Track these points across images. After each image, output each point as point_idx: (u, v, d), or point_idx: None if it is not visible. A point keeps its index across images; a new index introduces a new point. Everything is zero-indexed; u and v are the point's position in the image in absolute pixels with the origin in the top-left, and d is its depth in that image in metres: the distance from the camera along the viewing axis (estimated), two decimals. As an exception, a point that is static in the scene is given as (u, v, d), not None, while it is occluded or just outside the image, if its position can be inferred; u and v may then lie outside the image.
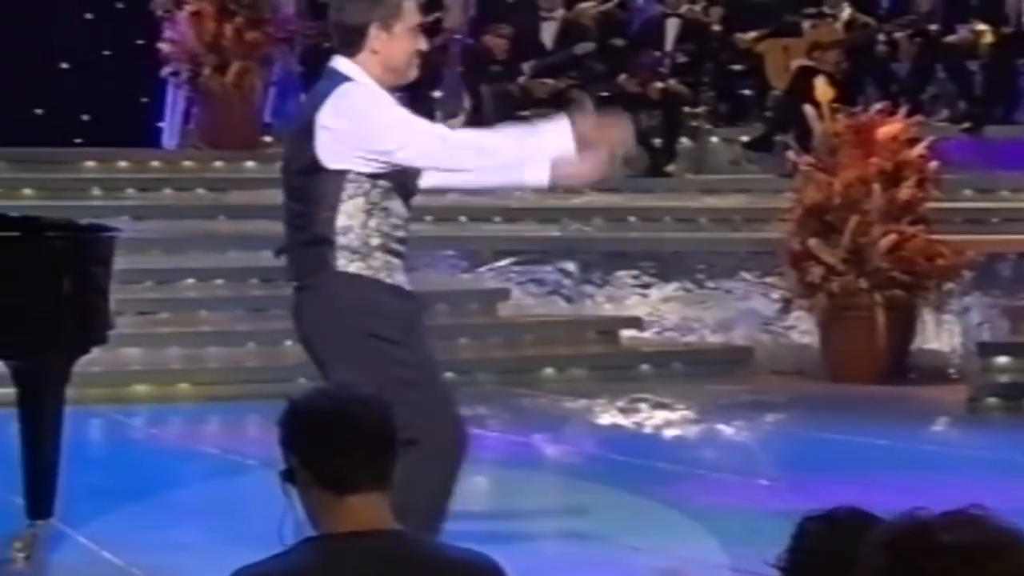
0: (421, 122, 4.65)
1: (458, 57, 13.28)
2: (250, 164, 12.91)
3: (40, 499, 5.69)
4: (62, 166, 12.64)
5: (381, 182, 4.52)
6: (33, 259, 5.73)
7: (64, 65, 13.67)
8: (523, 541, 6.32)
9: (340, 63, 4.59)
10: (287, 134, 4.66)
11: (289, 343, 10.45)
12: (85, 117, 13.54)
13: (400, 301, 4.57)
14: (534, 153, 4.58)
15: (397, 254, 4.57)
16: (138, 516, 6.44)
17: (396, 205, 4.56)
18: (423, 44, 4.69)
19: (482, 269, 11.72)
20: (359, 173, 4.48)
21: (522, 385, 10.06)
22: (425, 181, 4.65)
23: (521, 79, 13.05)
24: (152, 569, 5.72)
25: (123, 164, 12.73)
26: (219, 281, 11.00)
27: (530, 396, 9.82)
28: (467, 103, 13.12)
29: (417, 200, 11.49)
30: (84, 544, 5.96)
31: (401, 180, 4.55)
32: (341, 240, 4.49)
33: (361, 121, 4.49)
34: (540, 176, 4.59)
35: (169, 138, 13.62)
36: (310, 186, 4.54)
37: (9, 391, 6.02)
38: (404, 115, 4.61)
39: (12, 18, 13.13)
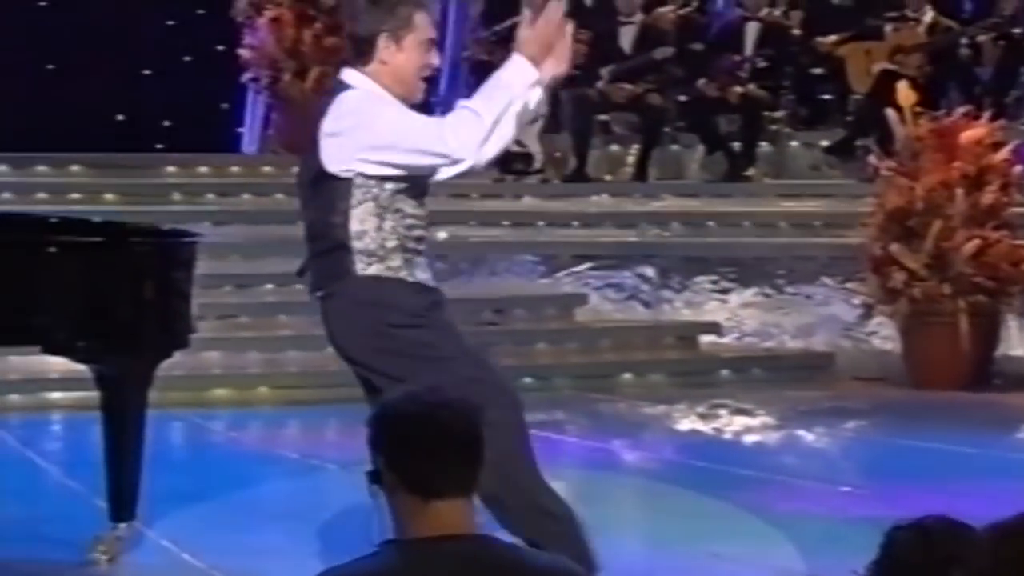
0: (420, 117, 4.58)
1: (536, 62, 13.21)
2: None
3: (122, 502, 5.73)
4: (143, 171, 12.74)
5: (389, 184, 4.50)
6: (116, 264, 5.76)
7: (145, 71, 13.80)
8: (602, 547, 6.29)
9: (347, 74, 4.59)
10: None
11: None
12: (166, 123, 13.66)
13: (421, 295, 4.56)
14: (512, 76, 4.47)
15: (416, 252, 4.56)
16: (218, 519, 6.46)
17: (409, 205, 4.54)
18: (435, 59, 4.62)
19: (560, 274, 11.70)
20: (366, 177, 4.46)
21: (600, 390, 10.02)
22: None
23: (599, 84, 13.02)
24: (232, 571, 5.74)
25: (203, 169, 12.82)
26: (298, 286, 10.90)
27: (608, 401, 9.79)
28: (544, 108, 13.06)
29: (493, 205, 11.54)
30: (165, 546, 5.99)
31: (411, 179, 4.52)
32: (357, 245, 4.49)
33: (359, 121, 4.48)
34: (529, 77, 4.47)
35: (249, 143, 13.71)
36: (321, 195, 4.55)
37: (93, 395, 6.07)
38: (402, 112, 4.53)
39: (94, 25, 13.26)
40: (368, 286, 4.49)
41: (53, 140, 12.41)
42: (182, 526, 6.24)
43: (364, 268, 4.48)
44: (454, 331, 4.64)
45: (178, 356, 6.03)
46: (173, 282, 5.87)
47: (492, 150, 4.48)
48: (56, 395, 9.49)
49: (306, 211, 4.65)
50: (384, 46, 4.50)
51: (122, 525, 5.75)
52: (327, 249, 4.55)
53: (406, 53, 4.51)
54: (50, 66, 13.33)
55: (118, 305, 5.70)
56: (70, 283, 5.67)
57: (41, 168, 12.45)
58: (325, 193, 4.51)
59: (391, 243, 4.50)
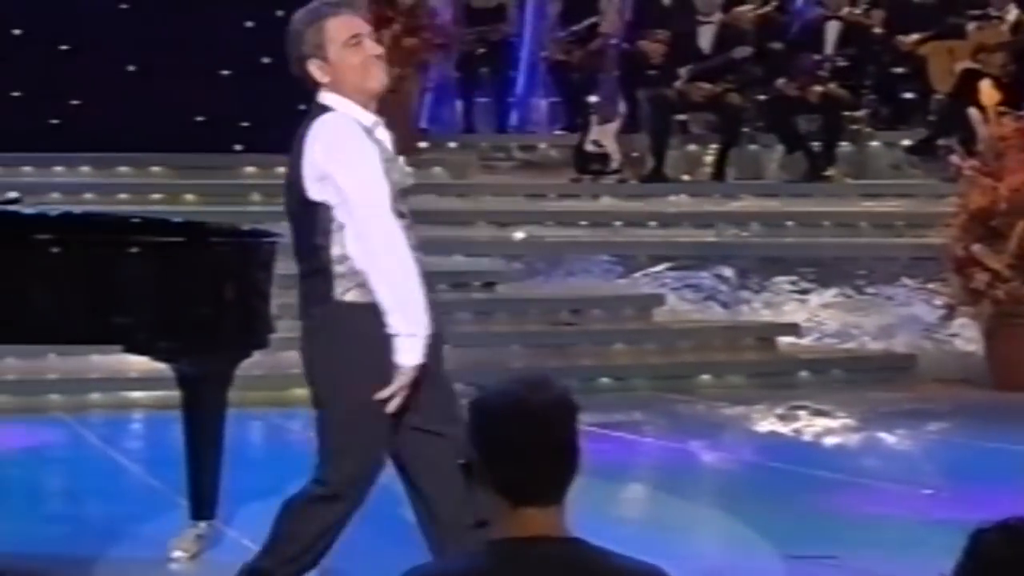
0: (374, 195, 4.40)
1: (614, 62, 13.23)
2: (406, 170, 12.98)
3: (203, 500, 5.76)
4: (222, 172, 12.83)
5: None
6: (197, 264, 5.79)
7: (224, 73, 13.87)
8: (682, 549, 6.25)
9: (321, 95, 4.55)
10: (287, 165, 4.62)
11: (445, 347, 10.50)
12: (245, 124, 13.72)
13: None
14: (405, 327, 4.39)
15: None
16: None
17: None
18: (373, 49, 4.49)
19: (637, 274, 11.66)
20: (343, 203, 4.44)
21: (678, 391, 9.97)
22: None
23: (678, 83, 12.97)
24: (320, 569, 5.74)
25: (282, 170, 12.71)
26: (375, 286, 11.05)
27: (686, 402, 9.74)
28: (623, 108, 13.06)
29: (571, 205, 11.49)
30: (246, 545, 6.00)
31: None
32: (338, 269, 4.41)
33: (333, 154, 4.44)
34: (403, 343, 4.39)
35: (327, 145, 13.75)
36: (304, 217, 4.49)
37: (173, 394, 6.11)
38: (372, 169, 4.43)
39: (174, 27, 13.36)
40: (346, 314, 4.42)
41: (134, 141, 12.52)
42: (262, 525, 6.22)
43: (342, 293, 4.41)
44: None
45: (257, 356, 6.05)
46: (253, 282, 5.89)
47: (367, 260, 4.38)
48: (137, 394, 9.57)
49: (292, 230, 4.58)
50: (318, 68, 4.49)
51: (203, 523, 5.78)
52: (310, 272, 4.50)
53: (338, 63, 4.46)
54: (131, 68, 13.43)
55: (198, 305, 5.73)
56: (151, 283, 5.70)
57: (123, 169, 12.56)
58: (307, 215, 4.47)
59: None
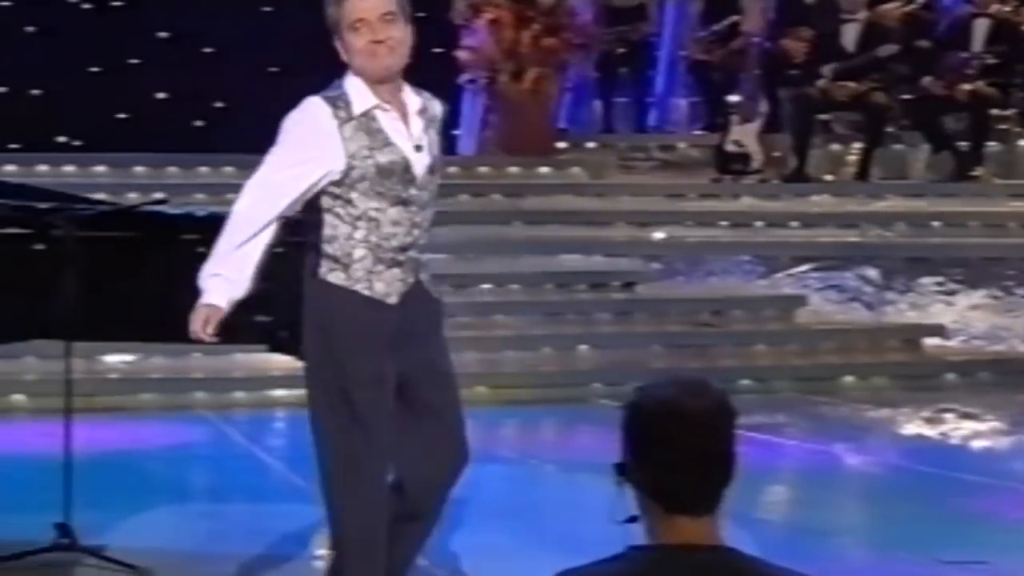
0: (263, 175, 4.64)
1: (756, 61, 13.10)
2: (545, 170, 12.98)
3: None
4: (359, 173, 12.88)
5: (353, 195, 4.50)
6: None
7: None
8: (827, 553, 6.16)
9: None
10: None
11: (584, 348, 10.49)
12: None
13: (374, 313, 4.50)
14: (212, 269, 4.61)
15: (394, 263, 4.51)
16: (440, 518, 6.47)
17: (388, 214, 4.50)
18: (374, 35, 4.52)
19: (779, 275, 11.52)
20: (331, 183, 4.50)
21: (821, 393, 9.84)
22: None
23: (821, 82, 12.80)
24: (456, 571, 5.76)
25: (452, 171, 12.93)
26: (515, 286, 11.07)
27: (830, 404, 9.60)
28: (764, 107, 12.93)
29: (711, 205, 11.32)
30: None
31: (387, 188, 4.50)
32: (327, 249, 4.53)
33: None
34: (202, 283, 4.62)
35: (465, 145, 13.79)
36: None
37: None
38: (276, 156, 4.62)
39: (316, 28, 13.46)
40: (323, 292, 4.53)
41: (275, 142, 12.62)
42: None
43: (325, 273, 4.52)
44: (386, 376, 4.51)
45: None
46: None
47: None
48: (280, 392, 9.65)
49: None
50: (338, 47, 4.62)
51: (343, 521, 5.79)
52: (308, 246, 4.60)
53: (347, 45, 4.56)
54: (273, 69, 13.57)
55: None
56: (294, 283, 5.71)
57: (266, 170, 12.66)
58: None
59: (359, 252, 4.50)
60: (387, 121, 4.52)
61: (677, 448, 2.53)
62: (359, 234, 4.48)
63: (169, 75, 13.42)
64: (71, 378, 5.74)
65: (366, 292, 4.48)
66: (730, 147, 12.80)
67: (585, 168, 13.15)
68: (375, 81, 4.52)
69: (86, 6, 13.58)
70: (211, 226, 6.09)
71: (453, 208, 12.24)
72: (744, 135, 12.77)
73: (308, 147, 4.52)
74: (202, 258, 5.69)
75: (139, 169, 12.35)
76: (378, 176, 4.46)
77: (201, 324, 4.55)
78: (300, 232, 6.04)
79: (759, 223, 12.18)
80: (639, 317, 10.78)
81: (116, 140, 12.72)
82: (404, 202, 4.49)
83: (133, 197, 10.25)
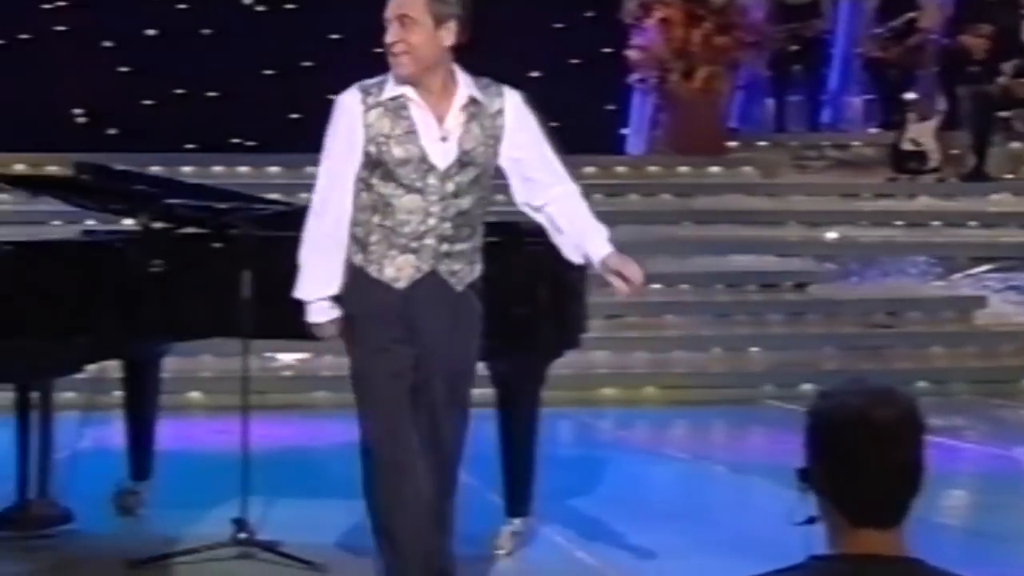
0: (321, 167, 4.79)
1: (933, 58, 12.85)
2: (715, 169, 12.88)
3: (518, 498, 5.77)
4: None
5: (373, 180, 4.61)
6: (512, 264, 5.80)
7: (533, 74, 13.97)
8: (1007, 558, 6.01)
9: None
10: None
11: (755, 349, 10.37)
12: (553, 124, 13.78)
13: (379, 294, 4.61)
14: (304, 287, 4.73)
15: (408, 249, 4.59)
16: (609, 517, 6.45)
17: (403, 201, 4.58)
18: (389, 36, 4.67)
19: (956, 276, 11.30)
20: (359, 167, 4.62)
21: (1000, 396, 9.61)
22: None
23: (1001, 80, 12.52)
24: (625, 570, 5.71)
25: (590, 170, 12.87)
26: (684, 286, 10.99)
27: (1010, 407, 9.38)
28: (942, 105, 12.69)
29: (886, 205, 11.04)
30: (559, 543, 6.02)
31: (402, 176, 4.58)
32: (353, 231, 4.67)
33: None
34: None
35: (634, 144, 13.73)
36: None
37: (485, 391, 6.14)
38: (325, 146, 4.79)
39: (482, 28, 13.51)
40: (349, 273, 4.68)
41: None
42: (575, 523, 6.26)
43: (352, 255, 4.66)
44: (388, 347, 4.60)
45: (568, 355, 6.04)
46: (567, 282, 5.88)
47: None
48: (449, 391, 9.70)
49: None
50: None
51: (518, 520, 5.79)
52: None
53: None
54: (443, 70, 13.65)
55: (514, 304, 5.74)
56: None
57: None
58: None
59: (375, 237, 4.62)
60: (417, 110, 4.61)
61: (865, 459, 2.44)
62: (376, 218, 4.61)
63: (340, 76, 13.52)
64: (248, 375, 5.80)
65: (375, 274, 4.60)
66: (907, 145, 12.58)
67: (757, 167, 13.01)
68: (398, 77, 4.63)
69: (260, 8, 13.79)
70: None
71: (622, 208, 12.20)
72: (921, 133, 12.54)
73: (341, 135, 4.69)
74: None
75: (311, 169, 12.37)
76: (393, 163, 4.56)
77: (332, 337, 4.74)
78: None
79: (936, 223, 11.96)
80: (811, 318, 10.64)
81: (289, 141, 12.87)
82: (420, 191, 4.57)
83: (306, 197, 10.35)
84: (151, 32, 13.58)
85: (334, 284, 4.67)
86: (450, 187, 4.58)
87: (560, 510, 6.32)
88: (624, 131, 13.84)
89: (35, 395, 6.01)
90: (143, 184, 6.09)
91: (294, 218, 6.00)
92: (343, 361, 9.67)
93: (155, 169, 10.64)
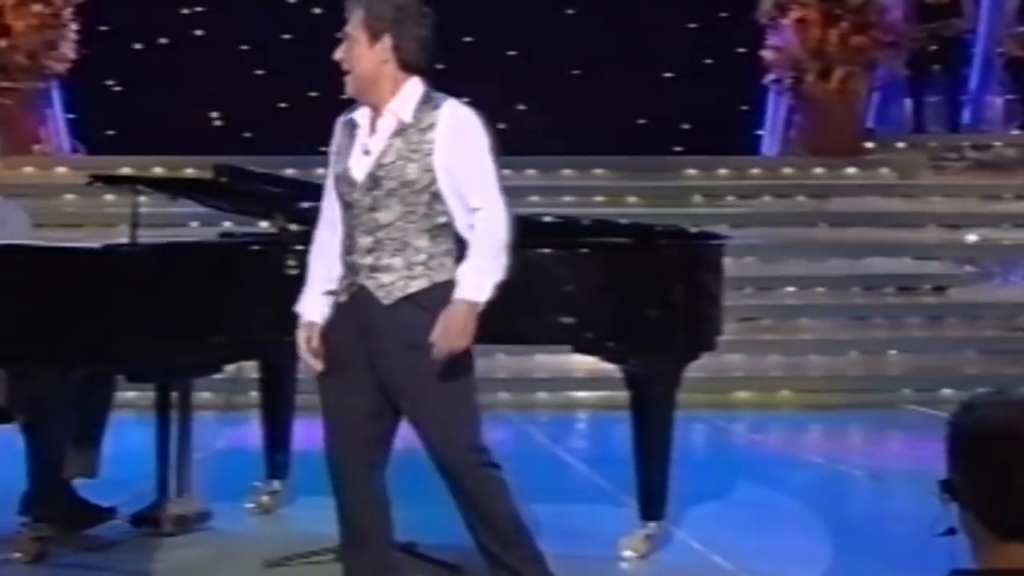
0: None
1: None
2: (851, 171, 12.72)
3: (651, 501, 5.73)
4: (664, 174, 12.84)
5: (333, 197, 4.66)
6: (646, 266, 5.77)
7: (667, 75, 13.91)
8: None
9: None
10: None
11: (893, 353, 10.23)
12: (686, 126, 13.72)
13: (332, 310, 4.63)
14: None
15: (347, 265, 4.58)
16: (744, 521, 6.38)
17: (343, 217, 4.61)
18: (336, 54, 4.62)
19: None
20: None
21: None
22: None
23: None
24: (761, 576, 5.65)
25: (723, 172, 12.81)
26: (820, 289, 10.88)
27: None
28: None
29: (998, 208, 10.79)
30: (694, 547, 5.96)
31: (340, 192, 4.62)
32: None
33: None
34: None
35: (769, 145, 13.61)
36: None
37: (617, 394, 6.12)
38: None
39: (617, 27, 13.47)
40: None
41: (577, 144, 12.69)
42: (709, 527, 6.20)
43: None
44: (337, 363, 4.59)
45: (701, 358, 5.99)
46: (701, 284, 5.84)
47: None
48: (581, 394, 9.69)
49: None
50: None
51: (651, 524, 5.75)
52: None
53: None
54: (575, 72, 13.63)
55: (648, 306, 5.71)
56: (601, 284, 5.72)
57: (566, 172, 12.75)
58: None
59: (336, 250, 4.67)
60: (362, 128, 4.59)
61: (1012, 472, 2.36)
62: (337, 235, 4.66)
63: (472, 79, 13.58)
64: (382, 376, 5.81)
65: (330, 288, 4.65)
66: (1043, 143, 12.33)
67: (894, 169, 12.83)
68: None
69: (394, 13, 13.88)
70: (516, 228, 6.14)
71: (756, 210, 12.11)
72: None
73: (331, 149, 4.73)
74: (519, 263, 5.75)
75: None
76: (334, 180, 4.62)
77: (304, 344, 4.65)
78: (606, 233, 6.05)
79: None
80: (951, 321, 10.48)
81: (424, 144, 12.95)
82: (348, 206, 4.57)
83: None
84: (286, 36, 13.72)
85: (323, 285, 4.68)
86: (368, 201, 4.53)
87: (694, 514, 6.27)
88: (758, 132, 13.72)
89: (174, 395, 6.09)
90: (279, 186, 6.13)
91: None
92: (476, 363, 9.80)
93: (289, 172, 10.73)
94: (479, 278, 4.46)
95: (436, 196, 4.52)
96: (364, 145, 4.56)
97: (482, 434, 4.73)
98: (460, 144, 4.54)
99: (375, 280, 4.54)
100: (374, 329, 4.54)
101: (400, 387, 4.57)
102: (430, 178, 4.50)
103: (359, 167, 4.55)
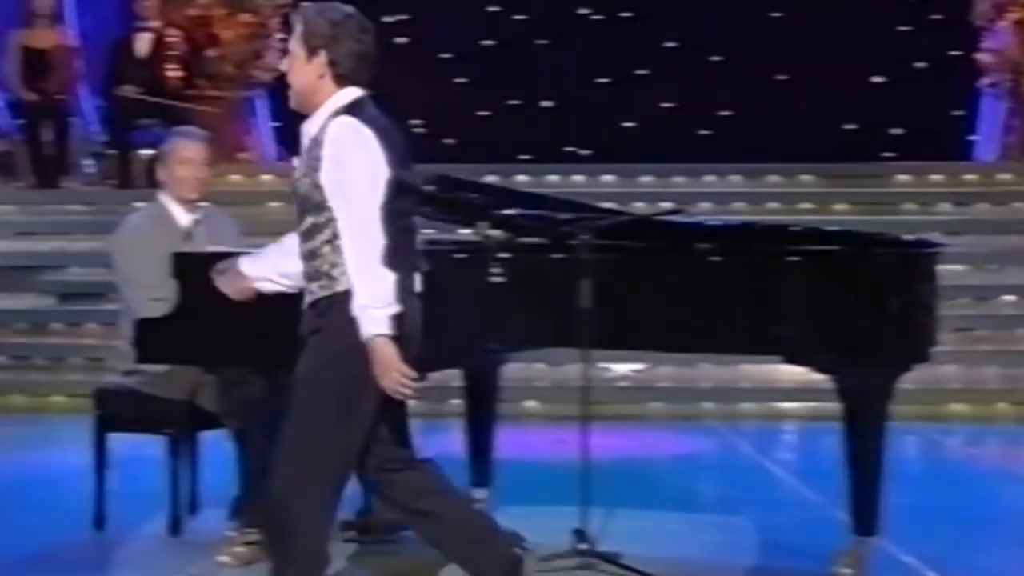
0: None
1: None
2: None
3: (864, 516, 5.55)
4: (874, 181, 12.56)
5: None
6: (859, 275, 5.61)
7: (876, 79, 13.64)
8: None
9: None
10: None
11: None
12: (896, 131, 13.44)
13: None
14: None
15: (306, 271, 4.64)
16: (960, 538, 6.20)
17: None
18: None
19: None
20: None
21: None
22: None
23: None
24: (980, 597, 5.45)
25: (936, 178, 12.49)
26: (1044, 300, 10.54)
27: None
28: None
29: None
30: (908, 563, 5.79)
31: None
32: None
33: None
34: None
35: (984, 151, 13.23)
36: None
37: (825, 405, 5.96)
38: None
39: (825, 32, 13.25)
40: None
41: (784, 150, 12.49)
42: (923, 543, 6.01)
43: None
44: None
45: (915, 369, 5.79)
46: (916, 294, 5.65)
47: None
48: (789, 405, 9.53)
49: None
50: None
51: (864, 539, 5.57)
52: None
53: None
54: (781, 77, 13.44)
55: (862, 316, 5.54)
56: (812, 293, 5.57)
57: (772, 178, 12.54)
58: None
59: None
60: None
61: None
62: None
63: (676, 84, 13.49)
64: (588, 386, 5.75)
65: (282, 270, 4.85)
66: None
67: None
68: None
69: (596, 18, 13.82)
70: (724, 236, 6.04)
71: (971, 217, 11.77)
72: None
73: None
74: (716, 268, 5.65)
75: (645, 179, 12.44)
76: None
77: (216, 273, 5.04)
78: (816, 241, 5.89)
79: None
80: None
81: (623, 150, 12.89)
82: (300, 213, 4.64)
83: (639, 206, 10.34)
84: (488, 43, 13.77)
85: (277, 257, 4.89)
86: (296, 210, 4.65)
87: (908, 529, 6.07)
88: (973, 137, 13.34)
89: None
90: (482, 194, 6.10)
91: (633, 228, 5.95)
92: (680, 373, 9.73)
93: (490, 179, 10.76)
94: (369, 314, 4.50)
95: (329, 210, 4.57)
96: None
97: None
98: (333, 165, 4.53)
99: (307, 285, 4.65)
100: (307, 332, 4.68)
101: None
102: (320, 194, 4.55)
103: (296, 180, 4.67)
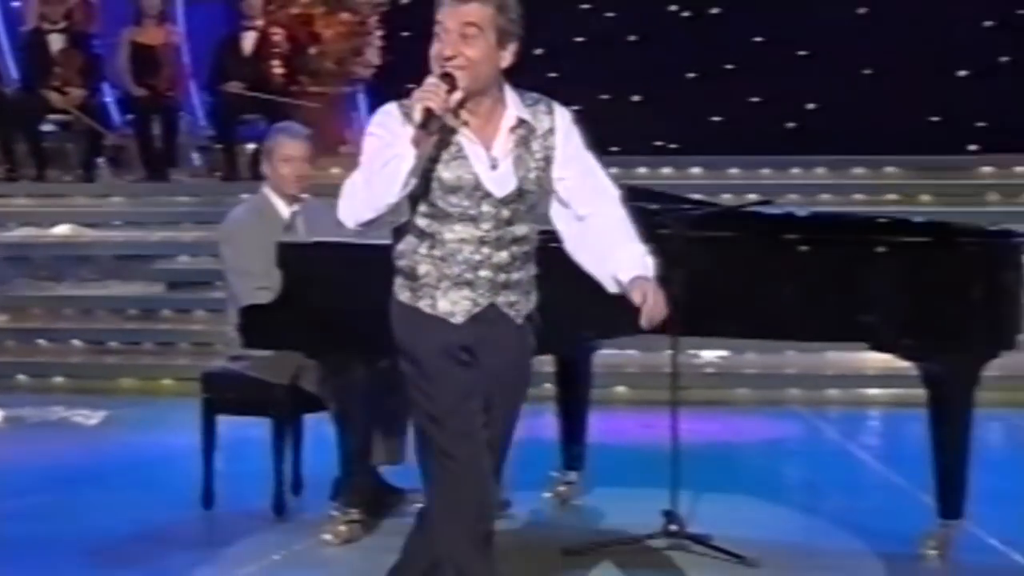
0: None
1: None
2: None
3: (949, 499, 5.69)
4: (958, 172, 12.61)
5: (421, 207, 4.16)
6: (945, 264, 5.75)
7: (961, 72, 13.65)
8: None
9: None
10: None
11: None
12: (980, 124, 13.44)
13: (438, 331, 4.16)
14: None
15: (463, 282, 4.15)
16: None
17: (454, 230, 4.16)
18: (443, 47, 4.20)
19: None
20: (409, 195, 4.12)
21: None
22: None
23: None
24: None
25: (1020, 170, 12.50)
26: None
27: None
28: None
29: None
30: (994, 546, 5.90)
31: (452, 204, 4.14)
32: (398, 263, 4.24)
33: None
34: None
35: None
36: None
37: (910, 392, 6.09)
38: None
39: (910, 27, 13.27)
40: (397, 311, 4.24)
41: (869, 142, 12.55)
42: (1009, 526, 6.11)
43: (399, 291, 4.23)
44: (460, 390, 4.15)
45: (1000, 356, 5.92)
46: (1001, 283, 5.78)
47: (362, 214, 4.08)
48: (874, 391, 9.63)
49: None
50: None
51: (950, 522, 5.71)
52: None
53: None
54: (866, 71, 13.48)
55: (946, 304, 5.69)
56: (898, 282, 5.73)
57: (857, 170, 12.62)
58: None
59: (423, 268, 4.19)
60: (464, 134, 4.17)
61: None
62: (423, 249, 4.19)
63: (763, 78, 13.56)
64: (677, 372, 5.92)
65: (428, 310, 4.19)
66: None
67: None
68: None
69: (685, 14, 13.93)
70: (812, 226, 6.19)
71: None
72: None
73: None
74: (805, 257, 5.80)
75: (733, 171, 12.57)
76: (440, 190, 4.15)
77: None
78: (903, 232, 6.03)
79: None
80: None
81: (711, 143, 12.99)
82: (473, 219, 4.16)
83: (727, 198, 10.46)
84: (579, 39, 13.91)
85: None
86: (505, 214, 4.17)
87: (994, 513, 6.18)
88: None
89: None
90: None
91: (724, 219, 6.11)
92: (765, 359, 9.84)
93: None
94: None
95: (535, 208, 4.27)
96: (488, 156, 4.18)
97: None
98: (580, 149, 4.35)
99: (506, 298, 4.24)
100: (501, 349, 4.23)
101: (512, 410, 4.33)
102: (550, 186, 4.28)
103: (492, 180, 4.18)
